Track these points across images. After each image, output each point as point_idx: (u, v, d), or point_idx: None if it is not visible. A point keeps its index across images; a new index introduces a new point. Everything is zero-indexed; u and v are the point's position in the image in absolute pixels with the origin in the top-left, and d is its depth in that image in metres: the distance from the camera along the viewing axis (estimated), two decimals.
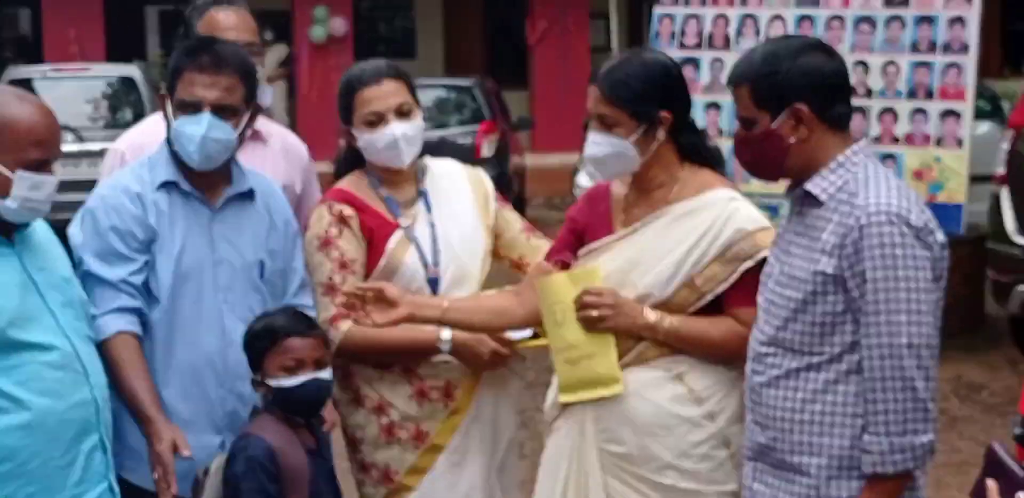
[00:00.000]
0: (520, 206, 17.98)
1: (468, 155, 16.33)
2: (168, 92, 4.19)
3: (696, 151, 4.15)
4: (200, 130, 4.08)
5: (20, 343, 3.70)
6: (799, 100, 3.53)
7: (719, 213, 4.00)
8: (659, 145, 4.04)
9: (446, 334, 4.34)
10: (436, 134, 16.70)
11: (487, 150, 17.31)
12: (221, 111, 4.11)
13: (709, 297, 3.99)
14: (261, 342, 4.03)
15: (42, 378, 3.72)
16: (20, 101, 3.77)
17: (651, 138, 4.02)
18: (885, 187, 3.51)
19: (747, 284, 3.92)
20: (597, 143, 4.03)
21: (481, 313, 4.30)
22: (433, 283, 4.44)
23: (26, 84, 17.28)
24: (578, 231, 4.26)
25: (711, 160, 4.18)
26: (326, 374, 4.05)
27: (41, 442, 3.71)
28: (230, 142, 4.18)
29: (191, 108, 4.10)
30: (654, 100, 4.02)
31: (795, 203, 3.67)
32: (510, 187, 17.39)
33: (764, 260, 3.85)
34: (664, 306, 3.98)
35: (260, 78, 4.59)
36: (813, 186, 3.56)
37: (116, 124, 16.94)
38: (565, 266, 4.16)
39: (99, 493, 3.85)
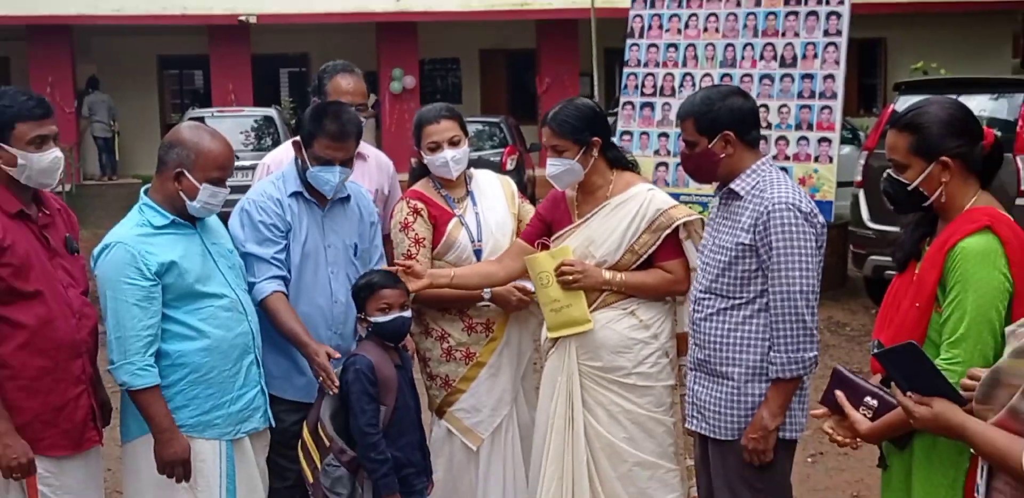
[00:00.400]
0: (532, 203, 17.87)
1: (497, 168, 16.23)
2: (305, 145, 4.16)
3: (619, 160, 4.20)
4: (334, 179, 4.12)
5: (203, 293, 3.75)
6: (727, 128, 3.59)
7: (643, 200, 4.06)
8: (594, 160, 4.10)
9: (488, 289, 4.37)
10: (475, 154, 16.69)
11: (510, 165, 17.27)
12: (344, 163, 4.14)
13: (644, 257, 4.03)
14: (364, 292, 4.05)
15: (217, 316, 3.76)
16: (212, 137, 3.80)
17: (589, 156, 4.08)
18: (784, 186, 3.57)
19: (667, 245, 4.04)
20: (554, 165, 4.10)
21: (475, 277, 4.30)
22: (478, 253, 4.44)
23: (200, 120, 17.29)
24: (545, 222, 4.30)
25: (629, 165, 4.23)
26: (408, 314, 4.06)
27: (217, 359, 3.75)
28: (348, 178, 4.23)
29: (326, 162, 4.11)
30: (587, 130, 4.07)
31: (722, 198, 3.71)
32: (525, 190, 17.38)
33: (678, 227, 3.99)
34: (614, 267, 4.04)
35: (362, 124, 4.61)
36: (735, 185, 3.62)
37: (259, 148, 16.89)
38: (545, 246, 4.21)
39: (254, 394, 3.88)
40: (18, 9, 21.05)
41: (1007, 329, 2.42)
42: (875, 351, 2.86)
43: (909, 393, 2.53)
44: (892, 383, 2.68)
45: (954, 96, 10.01)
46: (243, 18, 21.94)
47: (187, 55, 24.18)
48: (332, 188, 4.16)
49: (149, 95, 24.38)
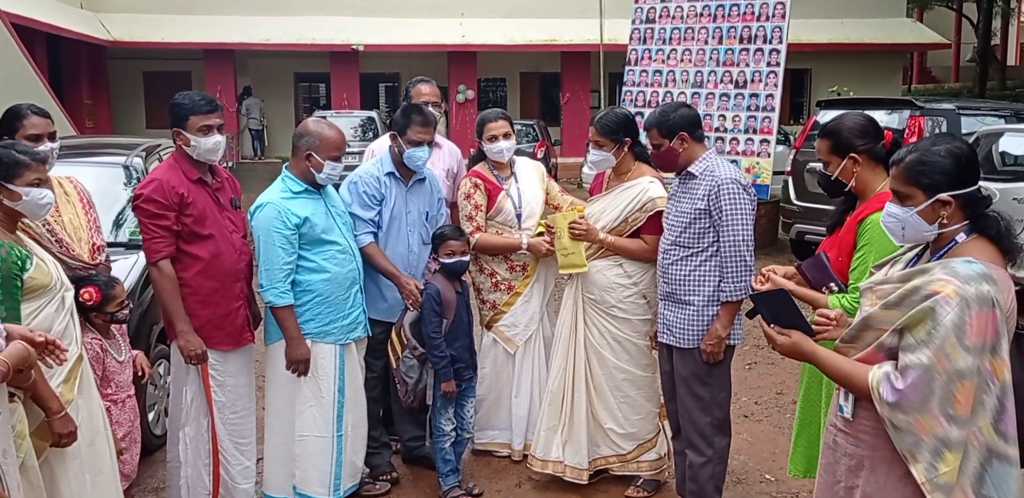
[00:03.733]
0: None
1: (530, 157, 16.12)
2: (399, 133, 4.10)
3: (642, 155, 4.06)
4: (425, 155, 4.09)
5: (326, 241, 3.73)
6: (682, 130, 3.54)
7: (642, 187, 3.95)
8: (624, 154, 3.99)
9: (524, 241, 4.30)
10: (516, 147, 16.57)
11: (540, 155, 17.03)
12: (429, 145, 4.11)
13: (634, 228, 3.94)
14: (436, 241, 4.04)
15: (335, 257, 3.75)
16: (330, 127, 3.78)
17: (620, 150, 3.97)
18: (728, 168, 3.56)
19: (651, 223, 3.91)
20: (594, 155, 3.99)
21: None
22: (518, 216, 4.38)
23: (323, 118, 17.23)
24: (592, 191, 4.23)
25: (647, 160, 4.08)
26: (466, 258, 4.05)
27: (334, 287, 3.74)
28: (430, 157, 4.19)
29: (418, 144, 4.06)
30: (622, 132, 3.96)
31: (682, 178, 3.65)
32: (550, 173, 17.20)
33: (659, 212, 3.84)
34: (612, 231, 3.96)
35: (437, 119, 4.58)
36: (692, 169, 3.58)
37: (364, 138, 16.80)
38: (557, 208, 4.17)
39: (358, 312, 3.88)
40: (197, 37, 21.09)
41: (861, 285, 2.30)
42: (751, 293, 2.63)
43: (772, 325, 2.34)
44: (759, 316, 2.42)
45: (859, 111, 9.89)
46: (355, 47, 21.80)
47: (315, 72, 24.07)
48: (424, 163, 4.11)
49: (287, 100, 24.33)
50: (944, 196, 2.16)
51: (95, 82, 21.17)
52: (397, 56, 22.76)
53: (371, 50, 21.98)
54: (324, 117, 16.60)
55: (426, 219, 4.25)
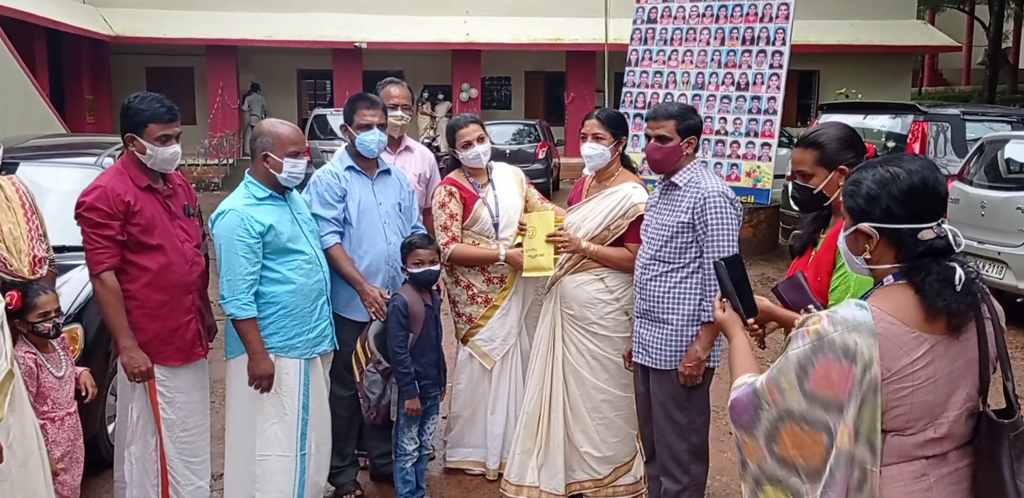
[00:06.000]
0: (556, 184, 17.54)
1: (532, 158, 15.98)
2: (348, 123, 4.00)
3: (627, 161, 3.92)
4: (375, 137, 3.95)
5: (292, 250, 3.56)
6: (695, 134, 3.40)
7: (625, 194, 3.78)
8: (617, 153, 3.84)
9: (502, 252, 4.13)
10: (517, 147, 16.39)
11: (542, 155, 16.86)
12: (379, 127, 3.96)
13: (616, 235, 3.76)
14: (405, 249, 3.89)
15: (301, 268, 3.58)
16: (282, 124, 3.62)
17: (615, 149, 3.82)
18: (714, 179, 3.38)
19: (632, 230, 3.71)
20: (592, 148, 3.80)
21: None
22: (496, 225, 4.20)
23: (322, 117, 17.11)
24: (571, 200, 4.07)
25: (632, 167, 3.95)
26: (436, 267, 3.89)
27: (300, 299, 3.57)
28: (385, 141, 4.04)
29: (366, 128, 3.93)
30: (620, 129, 3.82)
31: (663, 189, 3.47)
32: (552, 174, 16.96)
33: (640, 218, 3.65)
34: (593, 239, 3.78)
35: (406, 121, 4.45)
36: (676, 179, 3.42)
37: None
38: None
39: (325, 325, 3.71)
40: (200, 33, 20.98)
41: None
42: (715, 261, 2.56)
43: (723, 299, 2.34)
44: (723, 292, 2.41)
45: (862, 116, 9.66)
46: (358, 44, 21.67)
47: (318, 70, 23.93)
48: (377, 146, 3.96)
49: (290, 97, 24.21)
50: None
51: (97, 77, 21.08)
52: (401, 54, 22.60)
53: (374, 47, 21.83)
54: (325, 115, 16.58)
55: (400, 210, 4.10)
